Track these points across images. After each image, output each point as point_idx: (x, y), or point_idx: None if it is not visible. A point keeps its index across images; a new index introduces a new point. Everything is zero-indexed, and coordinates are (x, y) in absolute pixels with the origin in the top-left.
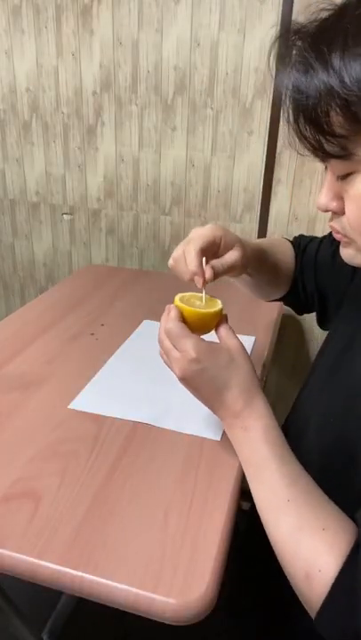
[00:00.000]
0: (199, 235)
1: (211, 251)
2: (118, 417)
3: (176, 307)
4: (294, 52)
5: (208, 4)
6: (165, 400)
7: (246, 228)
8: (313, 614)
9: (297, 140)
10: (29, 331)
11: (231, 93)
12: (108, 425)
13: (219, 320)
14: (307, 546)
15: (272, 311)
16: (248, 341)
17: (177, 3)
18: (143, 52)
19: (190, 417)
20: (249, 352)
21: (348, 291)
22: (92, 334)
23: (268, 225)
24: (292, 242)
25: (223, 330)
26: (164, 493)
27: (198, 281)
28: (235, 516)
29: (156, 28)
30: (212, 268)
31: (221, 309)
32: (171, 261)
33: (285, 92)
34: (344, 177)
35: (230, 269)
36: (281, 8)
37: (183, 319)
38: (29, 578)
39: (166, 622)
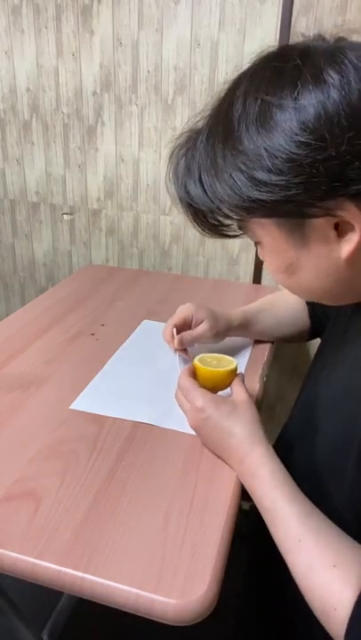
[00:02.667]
0: (177, 312)
1: (184, 325)
2: (119, 417)
3: (193, 365)
4: (180, 167)
5: (208, 3)
6: (166, 400)
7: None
8: None
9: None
10: (29, 331)
11: None
12: (108, 425)
13: (233, 378)
14: (319, 584)
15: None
16: (247, 343)
17: (177, 3)
18: (143, 51)
19: None
20: (248, 354)
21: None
22: (93, 334)
23: None
24: None
25: (235, 385)
26: (164, 494)
27: (171, 347)
28: (235, 516)
29: (156, 28)
30: (181, 338)
31: (234, 369)
32: (162, 335)
33: (180, 201)
34: (257, 243)
35: (199, 338)
36: (281, 8)
37: (196, 376)
38: (29, 578)
39: (166, 623)
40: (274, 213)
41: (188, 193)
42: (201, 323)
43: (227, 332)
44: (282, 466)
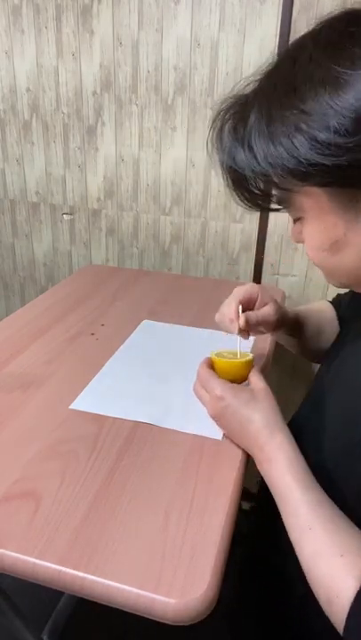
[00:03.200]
0: (239, 290)
1: (249, 304)
2: (119, 417)
3: (209, 358)
4: (225, 131)
5: (208, 4)
6: (166, 399)
7: (246, 228)
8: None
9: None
10: (29, 331)
11: (231, 93)
12: (108, 425)
13: (250, 369)
14: (325, 572)
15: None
16: (248, 342)
17: (177, 3)
18: (143, 52)
19: (191, 416)
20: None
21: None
22: (93, 334)
23: (269, 224)
24: (332, 301)
25: (253, 375)
26: (164, 493)
27: (234, 327)
28: (235, 516)
29: (156, 28)
30: (247, 317)
31: (251, 360)
32: (217, 316)
33: (222, 166)
34: (296, 220)
35: (263, 321)
36: (281, 8)
37: (214, 368)
38: (29, 578)
39: (167, 622)
40: (332, 180)
41: (233, 158)
42: (265, 305)
43: (280, 325)
44: (299, 454)
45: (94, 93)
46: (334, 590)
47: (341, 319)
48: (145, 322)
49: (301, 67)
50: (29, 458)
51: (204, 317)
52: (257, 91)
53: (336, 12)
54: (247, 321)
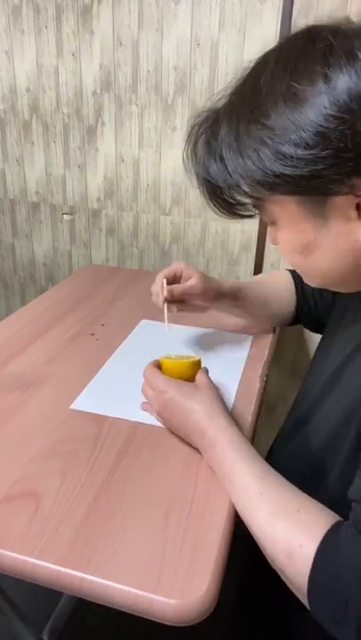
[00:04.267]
0: (165, 269)
1: (175, 280)
2: (119, 417)
3: (156, 360)
4: (199, 145)
5: (208, 4)
6: None
7: (246, 228)
8: (303, 598)
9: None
10: (29, 331)
11: None
12: (108, 425)
13: (197, 371)
14: (284, 528)
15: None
16: (245, 341)
17: (177, 3)
18: (143, 52)
19: None
20: (246, 351)
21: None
22: (93, 334)
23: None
24: (291, 270)
25: (199, 375)
26: (164, 493)
27: (160, 300)
28: (235, 516)
29: (157, 28)
30: (171, 289)
31: (198, 361)
32: (152, 297)
33: (197, 178)
34: (272, 224)
35: (189, 292)
36: (281, 8)
37: (161, 369)
38: (29, 578)
39: (166, 623)
40: (297, 190)
41: (207, 170)
42: (190, 278)
43: (218, 297)
44: (241, 434)
45: (94, 93)
46: (297, 541)
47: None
48: (142, 321)
49: (265, 83)
50: (29, 458)
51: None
52: (227, 105)
53: (299, 28)
54: (172, 292)
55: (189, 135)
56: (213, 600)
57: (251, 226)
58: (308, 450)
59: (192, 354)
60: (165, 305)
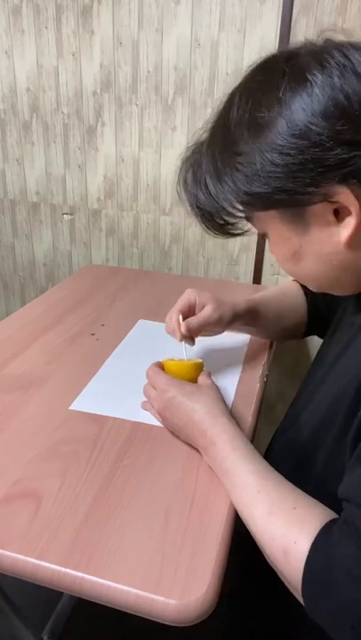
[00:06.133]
0: (179, 301)
1: (190, 310)
2: (119, 417)
3: (158, 361)
4: (188, 176)
5: (208, 4)
6: None
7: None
8: (299, 597)
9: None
10: (29, 331)
11: None
12: (108, 425)
13: (199, 373)
14: (280, 525)
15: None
16: (243, 343)
17: (177, 3)
18: (143, 52)
19: None
20: (244, 351)
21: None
22: (93, 334)
23: None
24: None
25: (202, 376)
26: (164, 494)
27: (178, 336)
28: (235, 516)
29: (157, 28)
30: (187, 324)
31: (200, 363)
32: (165, 328)
33: (190, 206)
34: (265, 235)
35: (205, 322)
36: (281, 8)
37: (163, 370)
38: (29, 578)
39: (167, 623)
40: (272, 205)
41: (195, 197)
42: (204, 307)
43: (233, 320)
44: (242, 433)
45: (94, 93)
46: (292, 537)
47: (314, 301)
48: (140, 321)
49: (233, 115)
50: (30, 458)
51: None
52: (207, 138)
53: (262, 57)
54: (188, 327)
55: (180, 169)
56: (213, 600)
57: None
58: (298, 443)
59: (193, 355)
60: (184, 341)
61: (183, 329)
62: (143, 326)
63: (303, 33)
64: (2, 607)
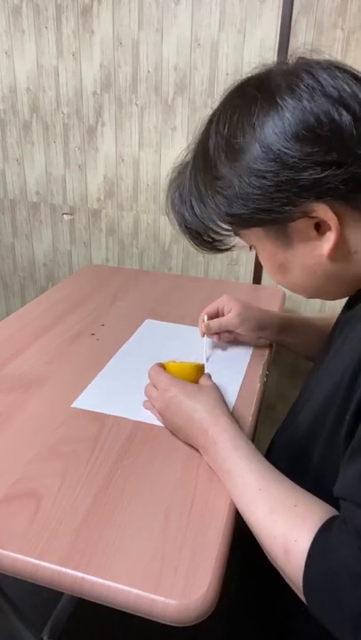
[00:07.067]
0: (212, 304)
1: (216, 314)
2: (121, 415)
3: (160, 362)
4: (175, 198)
5: (208, 4)
6: None
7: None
8: (301, 595)
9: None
10: (29, 331)
11: None
12: (109, 425)
13: (201, 375)
14: (281, 523)
15: (273, 310)
16: (246, 348)
17: (177, 3)
18: (143, 52)
19: None
20: (249, 350)
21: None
22: (93, 334)
23: None
24: None
25: (203, 378)
26: (164, 493)
27: (200, 333)
28: (235, 516)
29: (157, 28)
30: (208, 324)
31: (202, 366)
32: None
33: (179, 226)
34: (254, 248)
35: (227, 325)
36: (281, 8)
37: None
38: (30, 578)
39: (167, 623)
40: (255, 223)
41: (182, 217)
42: (230, 311)
43: (261, 329)
44: (242, 433)
45: (94, 93)
46: (293, 536)
47: None
48: (148, 321)
49: (212, 139)
50: (30, 458)
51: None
52: (190, 160)
53: (232, 84)
54: (208, 327)
55: (168, 189)
56: (214, 600)
57: None
58: (296, 440)
59: (194, 354)
60: (205, 338)
61: (203, 327)
62: (150, 326)
63: (303, 33)
64: (2, 607)
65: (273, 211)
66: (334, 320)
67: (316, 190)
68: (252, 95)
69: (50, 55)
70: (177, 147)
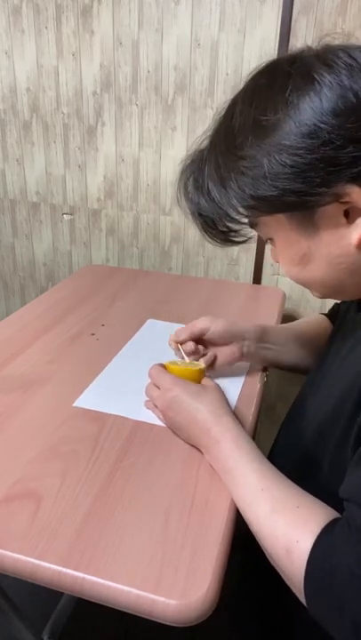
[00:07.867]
0: (196, 322)
1: (201, 334)
2: (121, 415)
3: (161, 363)
4: (189, 184)
5: (208, 4)
6: None
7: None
8: (301, 596)
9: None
10: (30, 331)
11: (231, 93)
12: (109, 425)
13: (202, 378)
14: (283, 524)
15: (272, 311)
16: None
17: (177, 3)
18: (143, 51)
19: None
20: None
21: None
22: (93, 334)
23: None
24: (328, 314)
25: (204, 379)
26: (164, 493)
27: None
28: (236, 515)
29: (157, 28)
30: (177, 331)
31: (203, 369)
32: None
33: (191, 214)
34: (269, 240)
35: (192, 330)
36: (281, 8)
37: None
38: (30, 578)
39: (167, 623)
40: (280, 208)
41: (198, 205)
42: (231, 344)
43: (236, 333)
44: (245, 433)
45: (94, 93)
46: (295, 536)
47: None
48: (149, 321)
49: (235, 121)
50: (30, 458)
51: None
52: (208, 145)
53: (264, 63)
54: (177, 334)
55: (180, 175)
56: (214, 600)
57: None
58: (303, 443)
59: (195, 362)
60: (181, 348)
61: (174, 336)
62: (152, 325)
63: (303, 33)
64: (2, 607)
65: (304, 192)
66: (321, 324)
67: (352, 170)
68: (285, 72)
69: (50, 55)
70: (177, 147)
